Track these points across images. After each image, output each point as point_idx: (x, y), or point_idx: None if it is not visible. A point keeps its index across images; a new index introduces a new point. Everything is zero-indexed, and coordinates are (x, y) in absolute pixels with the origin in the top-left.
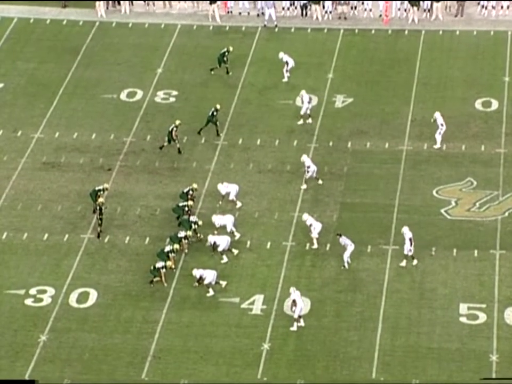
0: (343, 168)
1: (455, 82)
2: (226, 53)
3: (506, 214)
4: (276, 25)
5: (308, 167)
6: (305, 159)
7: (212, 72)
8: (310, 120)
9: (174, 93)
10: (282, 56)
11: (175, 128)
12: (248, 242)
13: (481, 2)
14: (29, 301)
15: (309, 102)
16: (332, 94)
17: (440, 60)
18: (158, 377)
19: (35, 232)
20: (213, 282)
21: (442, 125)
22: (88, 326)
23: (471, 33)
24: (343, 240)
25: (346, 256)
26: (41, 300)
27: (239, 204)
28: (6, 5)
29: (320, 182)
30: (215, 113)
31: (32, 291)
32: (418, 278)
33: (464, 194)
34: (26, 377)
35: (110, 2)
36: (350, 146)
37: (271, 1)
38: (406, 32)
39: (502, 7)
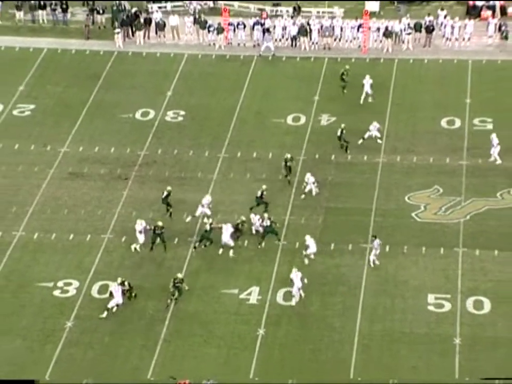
0: (327, 177)
1: (424, 103)
2: (345, 72)
3: (468, 217)
4: (274, 54)
5: (306, 183)
6: (309, 177)
7: (345, 91)
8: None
9: (182, 112)
10: (366, 80)
11: (289, 161)
12: (246, 242)
13: (446, 35)
14: (56, 292)
15: (378, 130)
16: (318, 114)
17: (411, 85)
18: (168, 358)
19: (62, 233)
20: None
21: (498, 144)
22: (107, 314)
23: (437, 62)
24: (376, 243)
25: (372, 256)
26: (67, 291)
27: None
28: (38, 37)
29: (303, 195)
30: (343, 131)
31: (60, 284)
32: (392, 272)
33: (431, 200)
34: (55, 358)
35: (127, 34)
36: (334, 158)
37: (270, 36)
38: (382, 60)
39: (463, 39)
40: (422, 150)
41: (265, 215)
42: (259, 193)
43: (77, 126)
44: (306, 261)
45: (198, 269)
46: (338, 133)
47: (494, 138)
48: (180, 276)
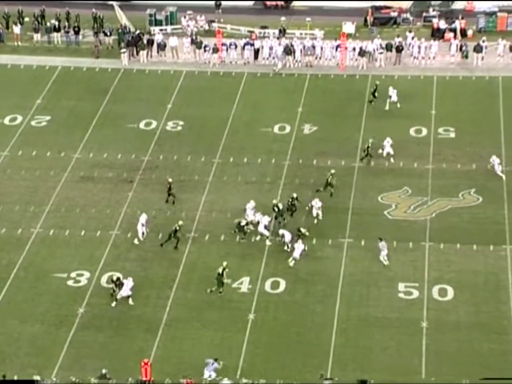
0: (309, 180)
1: (394, 114)
2: (376, 87)
3: (434, 215)
4: (276, 71)
5: (312, 206)
6: (316, 202)
7: (372, 104)
8: None
9: (181, 123)
10: (391, 91)
11: (331, 176)
12: (237, 237)
13: (413, 54)
14: (70, 282)
15: (391, 146)
16: (301, 124)
17: (382, 98)
18: (169, 341)
19: (75, 230)
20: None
21: (499, 163)
22: (116, 303)
23: (406, 78)
24: (382, 244)
25: (382, 256)
26: (79, 281)
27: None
28: (53, 56)
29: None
30: (369, 146)
31: (73, 274)
32: (367, 263)
33: (402, 200)
34: (69, 340)
35: (132, 54)
36: (315, 163)
37: (283, 55)
38: (357, 76)
39: (429, 58)
40: (393, 155)
41: (274, 201)
42: (289, 200)
43: (88, 135)
44: (286, 248)
45: (196, 261)
46: (365, 147)
47: (495, 158)
48: (224, 264)
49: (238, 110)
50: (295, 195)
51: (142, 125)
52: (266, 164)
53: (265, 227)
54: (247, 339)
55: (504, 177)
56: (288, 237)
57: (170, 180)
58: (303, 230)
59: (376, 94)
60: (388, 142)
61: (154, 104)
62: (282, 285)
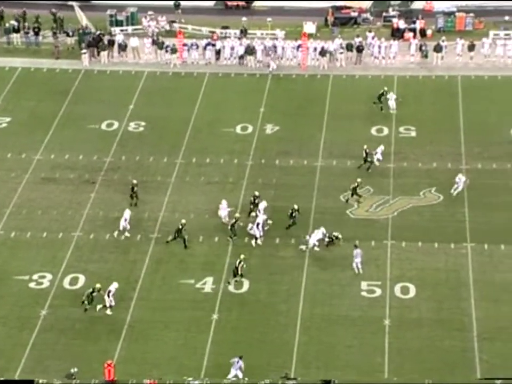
0: (272, 180)
1: (356, 114)
2: (384, 93)
3: (396, 213)
4: (272, 73)
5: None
6: (322, 230)
7: (378, 107)
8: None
9: (143, 123)
10: (391, 95)
11: (359, 185)
12: (201, 237)
13: (374, 54)
14: (32, 284)
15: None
16: (263, 124)
17: (344, 98)
18: (133, 342)
19: (36, 231)
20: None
21: (464, 181)
22: (78, 303)
23: (367, 77)
24: (357, 252)
25: (357, 264)
26: (41, 283)
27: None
28: (13, 57)
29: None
30: (367, 151)
31: (35, 276)
32: (330, 262)
33: (364, 199)
34: (31, 342)
35: (92, 54)
36: (278, 163)
37: (273, 57)
38: (319, 76)
39: (389, 57)
40: (354, 154)
41: (256, 192)
42: (290, 212)
43: (49, 136)
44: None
45: (159, 261)
46: (364, 154)
47: (461, 177)
48: (242, 256)
49: (200, 111)
50: (296, 206)
51: (103, 126)
52: (229, 164)
53: (258, 226)
54: (211, 339)
55: (465, 190)
56: (252, 229)
57: (134, 182)
58: (336, 234)
59: (382, 99)
60: (380, 149)
61: (116, 105)
62: (246, 284)
